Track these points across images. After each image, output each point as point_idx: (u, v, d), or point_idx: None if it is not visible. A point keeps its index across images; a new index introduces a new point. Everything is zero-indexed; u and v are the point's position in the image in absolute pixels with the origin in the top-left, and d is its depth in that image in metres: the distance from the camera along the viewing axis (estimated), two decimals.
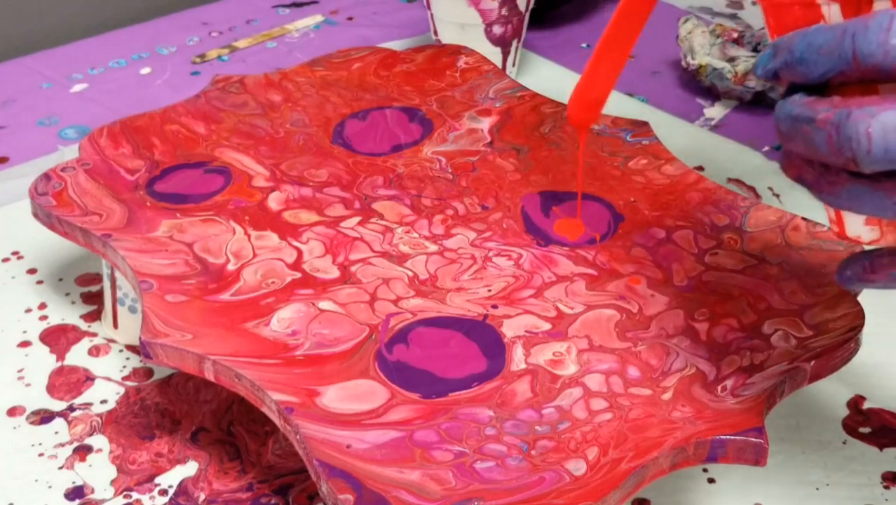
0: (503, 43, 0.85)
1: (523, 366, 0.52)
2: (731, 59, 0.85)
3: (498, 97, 0.72)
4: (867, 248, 0.43)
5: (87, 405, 0.59)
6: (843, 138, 0.38)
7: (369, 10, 1.02)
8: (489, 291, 0.57)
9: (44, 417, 0.58)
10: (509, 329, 0.54)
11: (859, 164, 0.38)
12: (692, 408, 0.50)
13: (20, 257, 0.69)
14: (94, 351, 0.62)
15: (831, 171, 0.41)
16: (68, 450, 0.56)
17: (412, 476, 0.46)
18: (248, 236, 0.60)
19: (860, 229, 0.43)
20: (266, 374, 0.51)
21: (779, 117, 0.41)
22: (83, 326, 0.64)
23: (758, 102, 0.86)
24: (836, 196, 0.41)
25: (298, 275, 0.57)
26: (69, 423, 0.58)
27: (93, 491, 0.54)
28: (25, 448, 0.56)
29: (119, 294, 0.62)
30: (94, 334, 0.63)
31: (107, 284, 0.62)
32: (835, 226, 0.43)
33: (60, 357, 0.62)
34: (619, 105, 0.85)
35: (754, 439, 0.47)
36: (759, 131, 0.82)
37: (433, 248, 0.60)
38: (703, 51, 0.86)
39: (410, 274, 0.58)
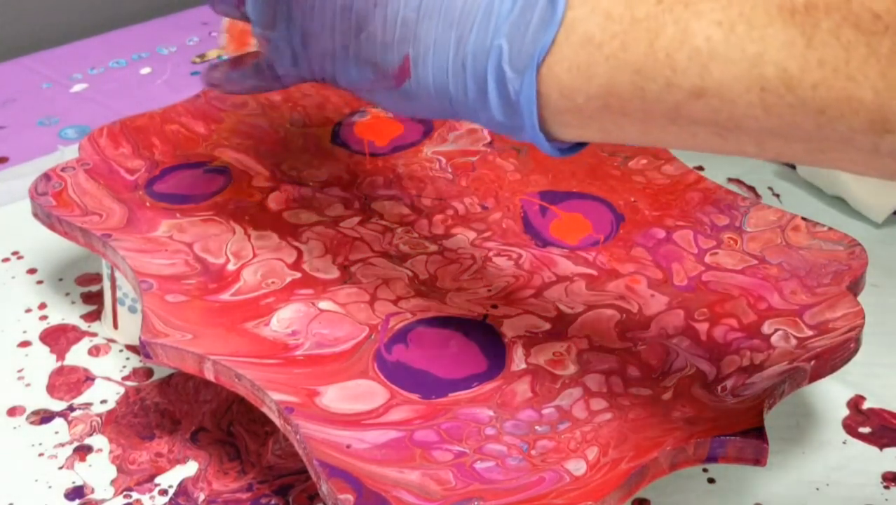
0: None
1: (523, 366, 0.52)
2: None
3: None
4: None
5: (87, 405, 0.59)
6: None
7: None
8: (489, 291, 0.57)
9: (44, 417, 0.58)
10: (509, 329, 0.54)
11: None
12: (692, 408, 0.50)
13: (20, 257, 0.69)
14: (94, 351, 0.62)
15: None
16: (68, 450, 0.56)
17: (412, 476, 0.46)
18: (248, 236, 0.60)
19: (221, 40, 0.54)
20: (266, 374, 0.51)
21: None
22: (83, 326, 0.64)
23: None
24: None
25: (298, 275, 0.57)
26: (69, 423, 0.57)
27: (93, 491, 0.54)
28: (25, 448, 0.56)
29: (119, 294, 0.62)
30: (94, 334, 0.63)
31: (107, 284, 0.62)
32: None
33: (60, 357, 0.62)
34: None
35: (754, 439, 0.47)
36: None
37: (433, 248, 0.60)
38: None
39: (410, 274, 0.58)
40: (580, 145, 0.46)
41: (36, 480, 0.54)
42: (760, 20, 0.38)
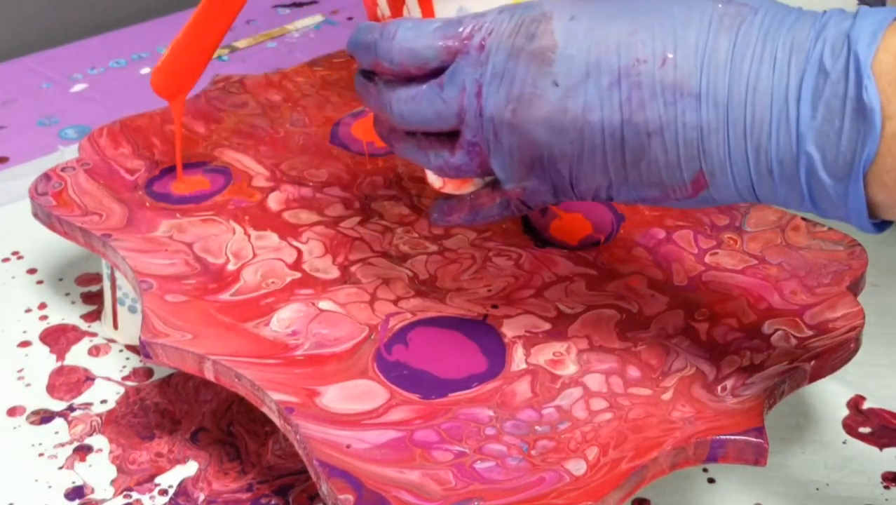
0: None
1: (523, 366, 0.52)
2: None
3: None
4: (450, 193, 0.53)
5: (87, 405, 0.59)
6: (381, 105, 0.50)
7: None
8: (489, 291, 0.57)
9: (44, 417, 0.58)
10: (509, 329, 0.54)
11: (394, 124, 0.50)
12: (692, 408, 0.50)
13: (20, 257, 0.69)
14: (94, 351, 0.62)
15: (395, 130, 0.51)
16: (68, 450, 0.56)
17: (412, 476, 0.46)
18: (248, 236, 0.60)
19: (433, 178, 0.53)
20: (266, 374, 0.51)
21: (356, 86, 0.52)
22: (83, 326, 0.64)
23: None
24: (397, 149, 0.52)
25: (298, 275, 0.57)
26: (69, 423, 0.57)
27: (93, 491, 0.54)
28: (25, 448, 0.56)
29: (119, 294, 0.62)
30: (94, 334, 0.63)
31: (107, 284, 0.62)
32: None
33: (60, 357, 0.62)
34: None
35: (754, 439, 0.47)
36: None
37: (433, 248, 0.60)
38: None
39: (410, 274, 0.58)
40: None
41: (36, 480, 0.54)
42: None
